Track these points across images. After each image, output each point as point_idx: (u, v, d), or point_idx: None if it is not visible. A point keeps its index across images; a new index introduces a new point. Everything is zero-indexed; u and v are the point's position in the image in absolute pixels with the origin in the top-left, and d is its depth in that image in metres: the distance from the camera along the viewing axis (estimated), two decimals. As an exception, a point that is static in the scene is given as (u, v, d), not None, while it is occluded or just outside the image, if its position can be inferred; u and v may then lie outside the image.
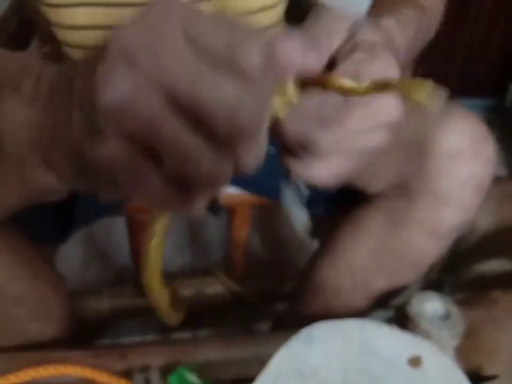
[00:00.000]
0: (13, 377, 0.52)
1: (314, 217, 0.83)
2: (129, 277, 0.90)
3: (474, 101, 1.62)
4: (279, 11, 0.61)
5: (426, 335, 0.53)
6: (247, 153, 0.28)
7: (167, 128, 0.26)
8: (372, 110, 0.33)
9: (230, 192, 0.74)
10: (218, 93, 0.26)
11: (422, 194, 0.57)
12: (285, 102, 0.33)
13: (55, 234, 0.63)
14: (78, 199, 0.60)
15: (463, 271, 0.90)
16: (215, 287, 0.86)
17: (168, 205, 0.30)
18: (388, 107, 0.34)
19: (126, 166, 0.28)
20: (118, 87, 0.26)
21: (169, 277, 0.94)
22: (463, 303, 0.75)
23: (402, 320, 0.56)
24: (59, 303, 0.60)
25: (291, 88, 0.33)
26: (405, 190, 0.58)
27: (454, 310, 0.56)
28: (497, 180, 0.62)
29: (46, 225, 0.61)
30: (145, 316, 0.88)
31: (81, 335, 0.72)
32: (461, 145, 0.56)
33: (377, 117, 0.34)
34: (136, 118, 0.26)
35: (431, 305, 0.56)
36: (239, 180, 0.70)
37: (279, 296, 0.86)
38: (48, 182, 0.37)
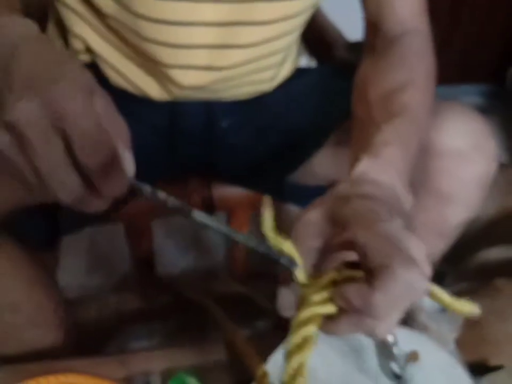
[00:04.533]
0: (14, 389, 0.52)
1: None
2: (133, 282, 0.90)
3: (474, 86, 1.60)
4: (300, 20, 0.61)
5: (424, 329, 0.53)
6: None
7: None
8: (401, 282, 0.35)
9: (229, 192, 0.74)
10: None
11: (426, 194, 0.57)
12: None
13: (43, 241, 0.63)
14: (63, 206, 0.61)
15: (466, 260, 0.89)
16: (218, 288, 0.86)
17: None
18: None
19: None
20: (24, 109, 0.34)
21: (174, 280, 0.94)
22: (467, 293, 0.74)
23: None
24: (55, 310, 0.61)
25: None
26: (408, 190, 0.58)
27: (453, 302, 0.55)
28: (500, 167, 0.61)
29: (35, 232, 0.61)
30: (150, 320, 0.88)
31: (86, 342, 0.72)
32: (463, 144, 0.56)
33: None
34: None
35: (429, 299, 0.55)
36: (242, 178, 0.70)
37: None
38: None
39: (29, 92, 0.35)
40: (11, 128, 0.34)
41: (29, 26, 0.41)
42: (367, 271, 0.36)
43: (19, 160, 0.35)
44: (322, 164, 0.64)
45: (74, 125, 0.35)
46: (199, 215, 0.39)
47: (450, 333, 0.54)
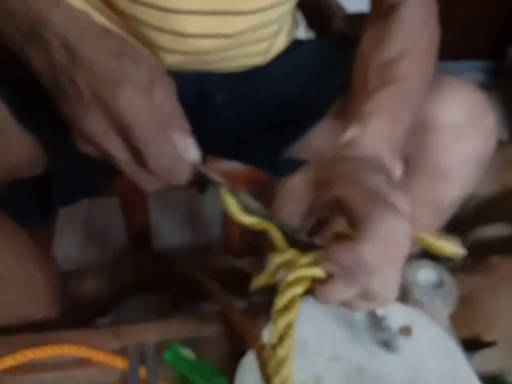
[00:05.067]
0: (9, 359, 0.52)
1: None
2: (128, 256, 0.90)
3: (474, 63, 1.59)
4: (289, 6, 0.60)
5: (418, 304, 0.53)
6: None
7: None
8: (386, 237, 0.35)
9: (225, 167, 0.73)
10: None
11: (422, 170, 0.57)
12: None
13: (36, 215, 0.63)
14: (55, 178, 0.60)
15: (461, 238, 0.89)
16: (213, 263, 0.87)
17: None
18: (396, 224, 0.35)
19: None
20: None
21: (169, 254, 0.94)
22: (461, 270, 0.75)
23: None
24: (47, 282, 0.61)
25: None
26: (404, 166, 0.57)
27: (448, 278, 0.56)
28: (499, 144, 0.61)
29: (25, 205, 0.61)
30: (145, 294, 0.88)
31: (81, 315, 0.73)
32: (460, 119, 0.55)
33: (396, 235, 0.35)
34: None
35: (424, 274, 0.55)
36: (237, 152, 0.70)
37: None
38: (25, 148, 0.52)
39: (94, 103, 0.39)
40: (88, 139, 0.40)
41: (87, 14, 0.43)
42: (353, 228, 0.35)
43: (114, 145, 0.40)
44: (319, 138, 0.64)
45: (139, 136, 0.38)
46: (246, 198, 0.41)
47: (444, 309, 0.54)
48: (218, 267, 0.85)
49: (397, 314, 0.52)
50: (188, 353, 0.53)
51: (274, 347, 0.35)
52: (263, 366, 0.40)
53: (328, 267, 0.35)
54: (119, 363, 0.53)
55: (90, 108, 0.39)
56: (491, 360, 0.69)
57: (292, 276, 0.36)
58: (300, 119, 0.64)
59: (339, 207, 0.37)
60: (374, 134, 0.43)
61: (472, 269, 0.78)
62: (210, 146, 0.71)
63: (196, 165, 0.42)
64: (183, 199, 1.15)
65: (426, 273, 0.56)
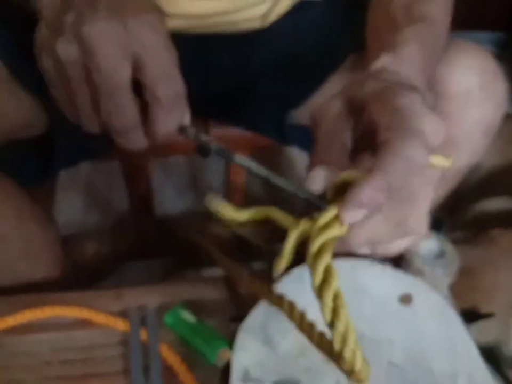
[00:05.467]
0: (10, 320, 0.52)
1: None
2: (130, 221, 0.90)
3: (484, 34, 1.56)
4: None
5: (419, 274, 0.53)
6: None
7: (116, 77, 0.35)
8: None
9: (228, 133, 0.72)
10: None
11: None
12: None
13: (36, 176, 0.62)
14: (56, 139, 0.60)
15: (464, 210, 0.89)
16: (216, 229, 0.86)
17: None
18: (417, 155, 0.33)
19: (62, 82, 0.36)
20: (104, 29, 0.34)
21: (172, 220, 0.94)
22: (462, 242, 0.75)
23: (397, 258, 0.56)
24: (48, 243, 0.61)
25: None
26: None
27: (449, 248, 0.55)
28: (506, 117, 0.60)
29: (25, 166, 0.61)
30: (147, 258, 0.89)
31: (83, 278, 0.73)
32: (470, 84, 0.53)
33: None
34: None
35: (426, 244, 0.55)
36: (240, 117, 0.68)
37: (278, 237, 0.86)
38: (24, 107, 0.52)
39: (114, 13, 0.35)
40: (82, 41, 0.35)
41: None
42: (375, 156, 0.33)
43: (79, 77, 0.36)
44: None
45: (154, 54, 0.36)
46: (240, 159, 0.40)
47: (445, 278, 0.54)
48: (219, 233, 0.85)
49: (398, 283, 0.52)
50: (188, 316, 0.53)
51: (331, 324, 0.35)
52: (291, 315, 0.40)
53: (349, 216, 0.34)
54: (120, 325, 0.53)
55: (108, 15, 0.35)
56: (487, 331, 0.69)
57: (316, 244, 0.35)
58: (307, 80, 0.63)
59: (371, 134, 0.34)
60: (406, 62, 0.41)
61: (473, 241, 0.78)
62: (213, 111, 0.70)
63: (187, 128, 0.41)
64: (185, 164, 1.14)
65: (428, 243, 0.55)
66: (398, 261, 0.55)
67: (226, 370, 0.48)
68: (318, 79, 0.62)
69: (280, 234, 0.91)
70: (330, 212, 0.35)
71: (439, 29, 0.47)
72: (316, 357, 0.47)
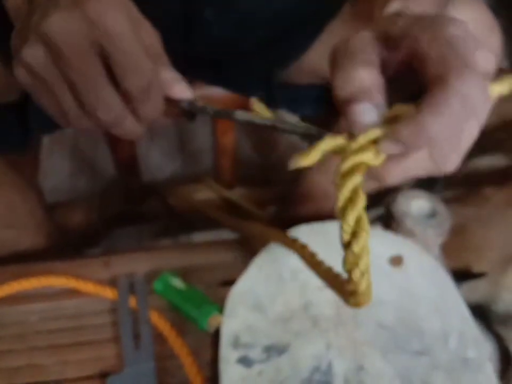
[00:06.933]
0: (-4, 291, 0.52)
1: (303, 119, 0.80)
2: (118, 187, 0.89)
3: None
4: None
5: (410, 234, 0.53)
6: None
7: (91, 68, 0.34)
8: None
9: (212, 94, 0.70)
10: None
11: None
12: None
13: (16, 143, 0.60)
14: (32, 103, 0.58)
15: (457, 168, 0.88)
16: (205, 193, 0.86)
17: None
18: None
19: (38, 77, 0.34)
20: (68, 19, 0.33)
21: (160, 185, 0.93)
22: (454, 201, 0.74)
23: (388, 219, 0.55)
24: (31, 211, 0.59)
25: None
26: None
27: (441, 208, 0.55)
28: (499, 72, 0.58)
29: (6, 133, 0.59)
30: (135, 224, 0.88)
31: (71, 246, 0.72)
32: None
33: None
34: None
35: (417, 204, 0.54)
36: (223, 79, 0.66)
37: (269, 200, 0.85)
38: None
39: (74, 2, 0.33)
40: (45, 39, 0.33)
41: None
42: (425, 91, 0.30)
43: (53, 78, 0.34)
44: (317, 57, 0.60)
45: (118, 43, 0.33)
46: (242, 115, 0.38)
47: (437, 238, 0.53)
48: (209, 198, 0.84)
49: (388, 244, 0.52)
50: (177, 282, 0.53)
51: (347, 245, 0.32)
52: (308, 262, 0.39)
53: (389, 148, 0.31)
54: (109, 293, 0.53)
55: (66, 6, 0.34)
56: (477, 289, 0.69)
57: (347, 164, 0.32)
58: (297, 34, 0.60)
59: (413, 65, 0.31)
60: (421, 3, 0.37)
61: (465, 200, 0.77)
62: (197, 69, 0.67)
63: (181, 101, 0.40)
64: (171, 127, 1.12)
65: (419, 203, 0.55)
66: (388, 222, 0.54)
67: (216, 336, 0.48)
68: (310, 33, 0.59)
69: (271, 198, 0.90)
70: (372, 133, 0.31)
71: None
72: (306, 321, 0.47)
